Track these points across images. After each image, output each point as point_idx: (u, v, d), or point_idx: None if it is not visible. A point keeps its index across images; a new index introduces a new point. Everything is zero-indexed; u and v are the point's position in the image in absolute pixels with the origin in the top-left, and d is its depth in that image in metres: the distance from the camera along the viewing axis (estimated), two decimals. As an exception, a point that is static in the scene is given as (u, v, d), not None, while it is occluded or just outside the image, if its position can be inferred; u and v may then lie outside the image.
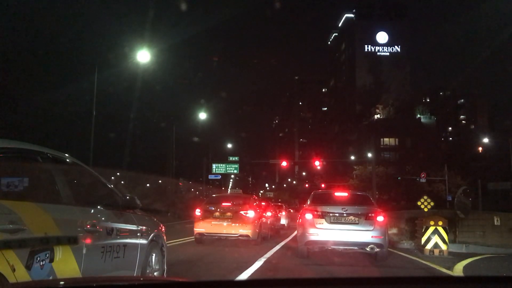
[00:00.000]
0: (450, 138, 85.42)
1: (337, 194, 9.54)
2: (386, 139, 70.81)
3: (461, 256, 10.10)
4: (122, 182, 44.94)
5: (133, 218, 3.95)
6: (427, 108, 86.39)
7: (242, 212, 11.16)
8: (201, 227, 11.11)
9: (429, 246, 10.27)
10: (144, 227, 4.12)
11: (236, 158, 48.95)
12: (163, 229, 4.73)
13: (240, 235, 10.95)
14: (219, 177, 49.27)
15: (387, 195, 39.93)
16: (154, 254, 4.32)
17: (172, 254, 9.23)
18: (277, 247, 11.03)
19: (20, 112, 27.54)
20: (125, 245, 3.63)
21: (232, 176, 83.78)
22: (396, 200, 37.72)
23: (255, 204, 12.27)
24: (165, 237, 4.70)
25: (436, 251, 10.19)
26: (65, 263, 2.74)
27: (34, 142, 3.23)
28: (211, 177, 46.18)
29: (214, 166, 45.48)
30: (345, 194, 9.68)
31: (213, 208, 11.35)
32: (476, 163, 50.18)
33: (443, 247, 10.19)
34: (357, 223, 8.33)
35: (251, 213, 11.19)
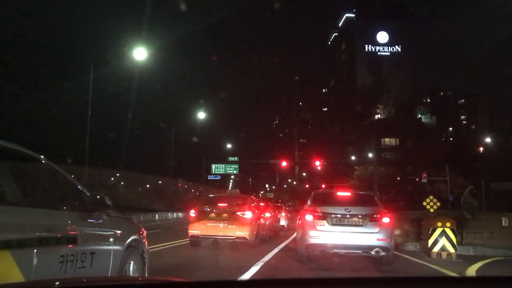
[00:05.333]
0: (451, 138, 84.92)
1: (339, 193, 8.93)
2: (386, 139, 70.42)
3: (470, 259, 9.56)
4: (122, 182, 44.65)
5: (105, 220, 3.41)
6: (427, 108, 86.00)
7: (239, 213, 10.57)
8: (195, 229, 10.53)
9: (436, 249, 9.72)
10: (119, 231, 3.58)
11: (236, 158, 48.64)
12: (145, 233, 4.18)
13: (237, 237, 10.38)
14: (219, 177, 48.86)
15: (388, 195, 39.43)
16: (132, 262, 3.77)
17: (163, 258, 8.71)
18: (276, 250, 10.49)
19: (16, 111, 27.08)
20: (93, 252, 3.09)
21: (232, 176, 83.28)
22: (396, 200, 37.25)
23: (253, 204, 11.69)
24: (146, 242, 4.16)
25: (444, 254, 9.64)
26: (6, 276, 2.19)
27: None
28: (210, 177, 45.83)
29: (213, 166, 45.19)
30: (348, 194, 9.06)
31: (208, 209, 10.75)
32: (477, 163, 49.74)
33: (451, 250, 9.64)
34: (361, 225, 7.73)
35: (248, 214, 10.62)
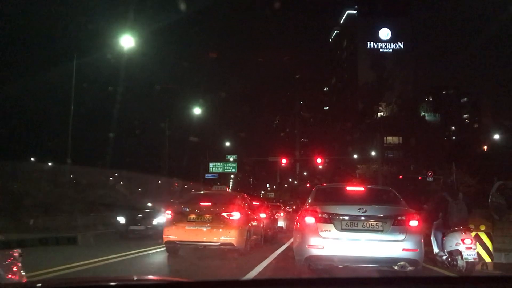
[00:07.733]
0: (454, 137, 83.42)
1: (349, 189, 6.83)
2: (389, 138, 69.11)
3: (508, 269, 7.72)
4: (121, 182, 43.38)
5: None
6: (430, 106, 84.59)
7: (224, 214, 8.64)
8: (171, 234, 8.58)
9: (468, 258, 7.84)
10: None
11: (234, 156, 47.38)
12: (15, 254, 2.34)
13: (222, 244, 8.45)
14: (217, 176, 47.35)
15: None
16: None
17: (128, 269, 6.99)
18: (269, 259, 8.60)
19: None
20: None
21: (232, 176, 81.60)
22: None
23: (243, 203, 9.79)
24: (15, 268, 2.31)
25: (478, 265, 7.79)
26: None
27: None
28: (208, 176, 44.27)
29: (211, 165, 43.89)
30: (361, 189, 6.92)
31: (187, 209, 8.80)
32: (483, 161, 48.42)
33: (487, 259, 7.79)
34: (381, 230, 5.73)
35: (236, 215, 8.71)
